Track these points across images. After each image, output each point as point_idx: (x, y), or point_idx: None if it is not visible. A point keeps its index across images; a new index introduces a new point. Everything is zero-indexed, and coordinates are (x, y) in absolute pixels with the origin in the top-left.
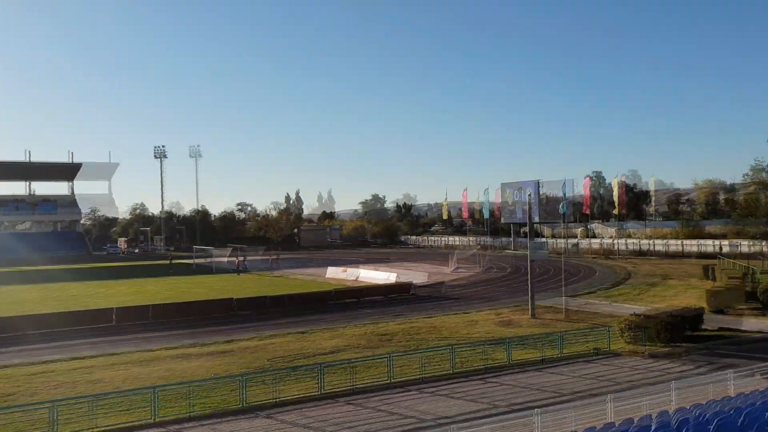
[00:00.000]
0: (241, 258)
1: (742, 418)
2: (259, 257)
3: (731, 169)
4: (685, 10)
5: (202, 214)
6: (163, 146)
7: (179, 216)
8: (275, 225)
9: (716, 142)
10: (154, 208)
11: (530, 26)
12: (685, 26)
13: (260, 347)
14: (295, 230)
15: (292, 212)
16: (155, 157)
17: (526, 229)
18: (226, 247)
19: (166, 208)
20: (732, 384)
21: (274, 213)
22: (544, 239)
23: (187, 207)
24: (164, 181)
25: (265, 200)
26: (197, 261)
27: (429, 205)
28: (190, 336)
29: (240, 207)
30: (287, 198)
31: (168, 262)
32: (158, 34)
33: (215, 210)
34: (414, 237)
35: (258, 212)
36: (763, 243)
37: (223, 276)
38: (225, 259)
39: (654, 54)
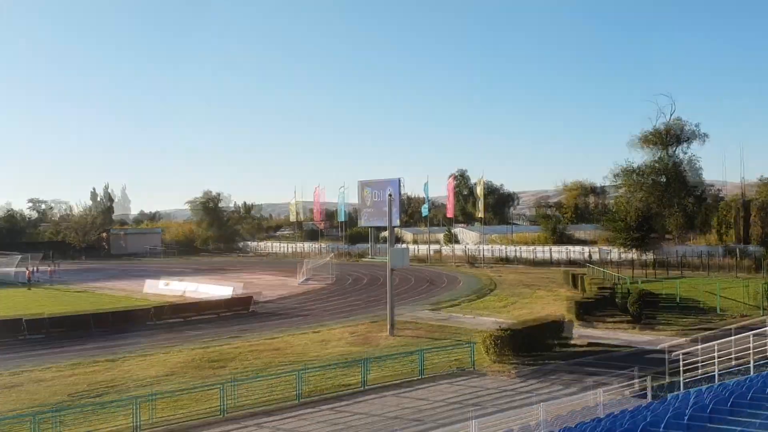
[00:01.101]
0: (32, 269)
1: None
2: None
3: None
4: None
5: None
6: None
7: None
8: (79, 228)
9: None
10: None
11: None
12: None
13: (58, 379)
14: (104, 234)
15: (99, 212)
16: None
17: (386, 233)
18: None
19: None
20: (602, 405)
21: (76, 213)
22: (405, 245)
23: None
24: None
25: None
26: None
27: (275, 204)
28: None
29: (32, 204)
30: (93, 194)
31: None
32: None
33: None
34: (256, 243)
35: (55, 211)
36: (634, 251)
37: (9, 290)
38: (12, 270)
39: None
